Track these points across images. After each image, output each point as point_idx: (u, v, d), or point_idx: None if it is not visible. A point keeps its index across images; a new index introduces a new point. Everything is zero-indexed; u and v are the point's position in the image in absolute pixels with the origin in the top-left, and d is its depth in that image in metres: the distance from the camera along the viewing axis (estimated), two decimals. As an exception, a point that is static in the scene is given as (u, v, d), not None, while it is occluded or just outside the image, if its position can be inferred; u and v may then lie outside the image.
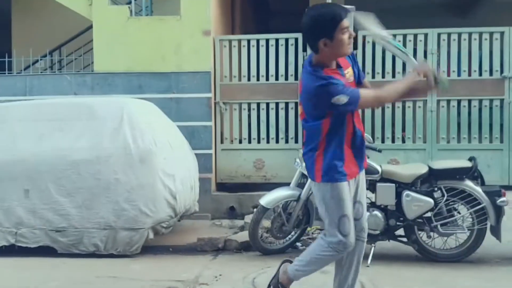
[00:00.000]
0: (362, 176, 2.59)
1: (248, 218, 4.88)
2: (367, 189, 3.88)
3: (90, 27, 6.06)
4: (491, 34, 5.57)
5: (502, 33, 5.55)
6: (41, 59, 6.47)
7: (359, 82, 2.46)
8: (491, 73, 5.57)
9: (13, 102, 5.00)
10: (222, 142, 5.94)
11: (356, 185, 2.53)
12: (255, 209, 4.23)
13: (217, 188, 5.93)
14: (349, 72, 2.35)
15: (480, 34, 5.57)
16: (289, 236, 4.16)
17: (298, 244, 4.26)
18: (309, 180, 3.97)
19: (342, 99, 2.17)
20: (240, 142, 5.96)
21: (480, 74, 5.58)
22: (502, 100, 5.53)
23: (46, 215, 4.11)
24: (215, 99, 5.88)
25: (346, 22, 2.17)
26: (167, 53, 5.78)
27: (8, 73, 6.16)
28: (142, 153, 4.11)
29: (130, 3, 6.06)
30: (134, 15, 5.99)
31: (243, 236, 4.43)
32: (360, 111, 2.51)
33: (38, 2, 7.70)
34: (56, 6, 6.38)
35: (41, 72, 6.33)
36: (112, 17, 5.84)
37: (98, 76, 5.85)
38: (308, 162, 2.46)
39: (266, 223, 4.16)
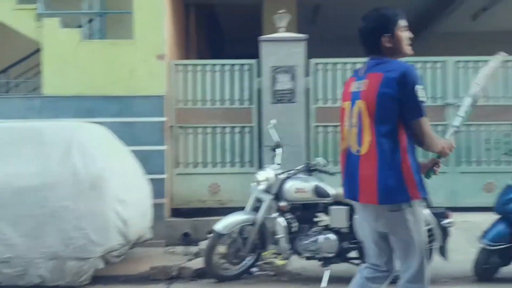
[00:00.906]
0: None
1: (203, 244, 4.80)
2: (320, 212, 4.00)
3: (40, 49, 5.89)
4: (434, 63, 5.93)
5: (444, 62, 5.92)
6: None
7: None
8: (434, 100, 5.90)
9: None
10: (177, 166, 5.88)
11: None
12: (210, 235, 4.18)
13: (171, 214, 5.81)
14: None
15: (424, 63, 5.92)
16: (245, 261, 4.13)
17: (254, 269, 4.22)
18: (264, 204, 4.02)
19: (423, 93, 2.14)
20: (195, 166, 5.92)
21: (424, 101, 5.88)
22: (445, 125, 5.85)
23: (-12, 246, 3.85)
24: (170, 123, 5.83)
25: (403, 21, 2.27)
26: (120, 77, 5.70)
27: None
28: (92, 179, 3.98)
29: (82, 26, 5.96)
30: (87, 39, 5.89)
31: (198, 263, 4.35)
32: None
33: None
34: (4, 27, 6.16)
35: (-15, 95, 6.04)
36: (62, 40, 5.70)
37: (47, 100, 5.65)
38: (392, 181, 2.13)
39: (221, 249, 4.11)
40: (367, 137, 2.18)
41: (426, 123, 2.16)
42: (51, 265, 3.87)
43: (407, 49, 2.28)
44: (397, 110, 2.14)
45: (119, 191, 4.13)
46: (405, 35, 2.27)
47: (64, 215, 3.87)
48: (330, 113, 5.74)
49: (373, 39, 2.27)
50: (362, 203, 2.26)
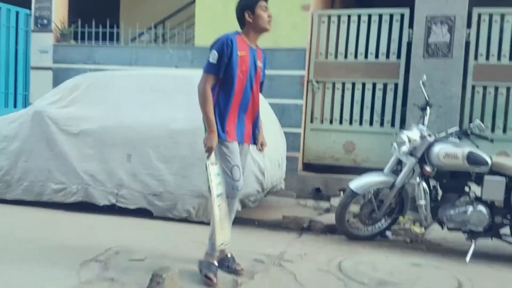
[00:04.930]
0: (244, 151, 3.04)
1: (334, 201, 4.77)
2: (473, 181, 3.61)
3: (193, 1, 6.22)
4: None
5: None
6: (146, 32, 6.79)
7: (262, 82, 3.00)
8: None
9: (119, 71, 5.33)
10: (312, 121, 5.83)
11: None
12: (342, 192, 4.10)
13: (303, 168, 5.86)
14: (260, 62, 2.93)
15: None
16: (379, 223, 3.98)
17: (389, 233, 4.06)
18: (406, 167, 3.78)
19: (213, 56, 2.76)
20: (331, 122, 5.80)
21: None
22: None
23: (145, 179, 4.32)
24: (308, 77, 5.75)
25: (264, 2, 2.78)
26: (265, 29, 5.73)
27: (116, 44, 6.57)
28: (234, 126, 4.15)
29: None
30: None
31: (328, 218, 4.34)
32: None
33: (146, -23, 8.08)
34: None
35: (146, 44, 6.65)
36: (214, -8, 5.92)
37: (198, 50, 6.00)
38: None
39: (353, 207, 4.02)
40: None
41: (202, 80, 2.81)
42: (196, 202, 4.22)
43: (266, 26, 2.81)
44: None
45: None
46: (266, 14, 2.78)
47: (209, 158, 4.14)
48: (492, 71, 5.06)
49: (239, 12, 2.84)
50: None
